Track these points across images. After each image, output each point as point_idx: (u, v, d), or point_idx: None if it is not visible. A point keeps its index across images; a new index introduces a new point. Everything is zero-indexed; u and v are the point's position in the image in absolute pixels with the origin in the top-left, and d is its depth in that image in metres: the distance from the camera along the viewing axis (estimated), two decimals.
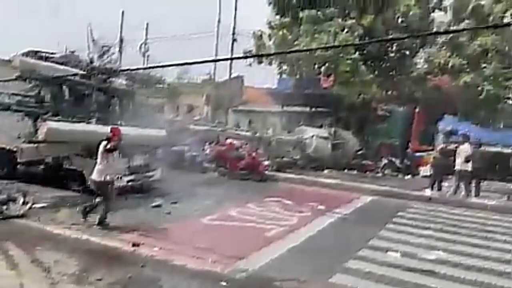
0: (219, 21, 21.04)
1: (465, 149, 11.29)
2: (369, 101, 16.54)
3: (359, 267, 5.56)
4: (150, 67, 15.84)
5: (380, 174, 15.13)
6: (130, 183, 8.93)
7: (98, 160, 6.83)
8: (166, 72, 23.21)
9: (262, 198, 9.74)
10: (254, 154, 13.12)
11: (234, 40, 21.23)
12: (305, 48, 14.80)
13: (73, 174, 8.80)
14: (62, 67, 9.57)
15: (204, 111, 23.11)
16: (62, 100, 9.50)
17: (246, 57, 17.32)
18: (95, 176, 6.85)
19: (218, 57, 21.37)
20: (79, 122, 8.88)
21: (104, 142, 6.84)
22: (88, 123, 9.03)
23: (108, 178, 6.82)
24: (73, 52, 11.31)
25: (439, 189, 11.48)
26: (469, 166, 11.12)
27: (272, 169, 13.74)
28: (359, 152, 16.43)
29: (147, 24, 27.46)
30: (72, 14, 43.21)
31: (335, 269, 5.47)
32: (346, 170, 15.11)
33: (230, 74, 22.02)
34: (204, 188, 10.56)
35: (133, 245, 5.84)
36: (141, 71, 12.91)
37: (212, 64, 21.23)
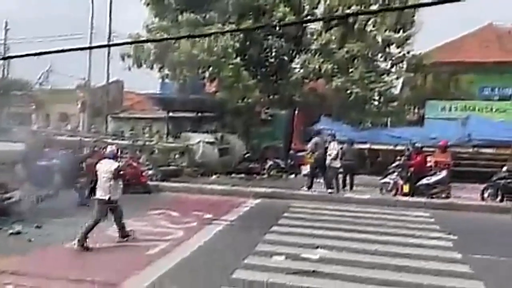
0: (92, 22, 19.47)
1: (332, 147, 12.20)
2: (253, 105, 16.95)
3: (244, 277, 5.47)
4: None
5: (266, 176, 15.56)
6: None
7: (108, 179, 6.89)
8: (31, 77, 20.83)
9: (145, 212, 9.16)
10: (134, 163, 12.33)
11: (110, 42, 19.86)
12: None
13: None
14: None
15: (79, 119, 21.21)
16: None
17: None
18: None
19: (93, 61, 19.75)
20: None
21: (112, 161, 7.00)
22: None
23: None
24: None
25: (310, 186, 12.17)
26: (337, 163, 12.06)
27: (156, 179, 13.11)
28: (246, 156, 16.73)
29: (6, 23, 24.24)
30: None
31: (221, 282, 5.30)
32: (233, 175, 15.22)
33: (108, 79, 20.57)
34: (76, 208, 9.54)
35: None
36: None
37: (86, 68, 19.57)
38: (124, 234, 7.15)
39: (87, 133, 16.55)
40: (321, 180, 12.32)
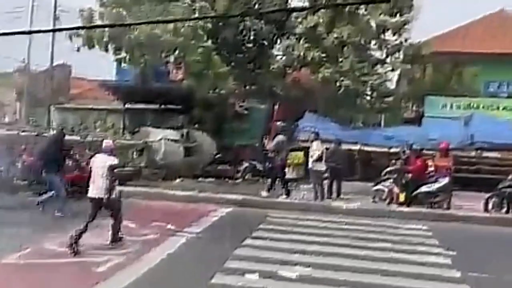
0: None
1: (315, 147, 12.31)
2: (226, 96, 16.95)
3: None
4: None
5: (240, 180, 15.57)
6: None
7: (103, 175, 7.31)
8: None
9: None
10: (84, 164, 12.08)
11: (56, 18, 19.43)
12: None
13: None
14: None
15: (16, 109, 20.68)
16: None
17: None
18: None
19: (34, 40, 19.26)
20: None
21: (109, 157, 7.48)
22: None
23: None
24: None
25: (268, 189, 12.38)
26: (322, 166, 12.18)
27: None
28: (217, 156, 16.68)
29: None
30: None
31: None
32: (201, 178, 15.16)
33: (52, 62, 20.11)
34: (12, 214, 9.32)
35: None
36: None
37: (25, 49, 19.08)
38: (115, 238, 7.65)
39: (26, 126, 16.15)
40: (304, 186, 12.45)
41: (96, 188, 7.36)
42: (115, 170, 7.53)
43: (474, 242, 9.02)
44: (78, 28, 16.01)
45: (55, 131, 11.49)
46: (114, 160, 7.59)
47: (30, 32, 17.37)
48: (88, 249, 7.29)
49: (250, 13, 16.13)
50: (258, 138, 18.36)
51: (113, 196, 7.49)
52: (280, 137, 12.57)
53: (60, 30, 20.12)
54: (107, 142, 8.03)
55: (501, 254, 8.12)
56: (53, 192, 9.85)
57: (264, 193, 12.31)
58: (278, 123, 15.55)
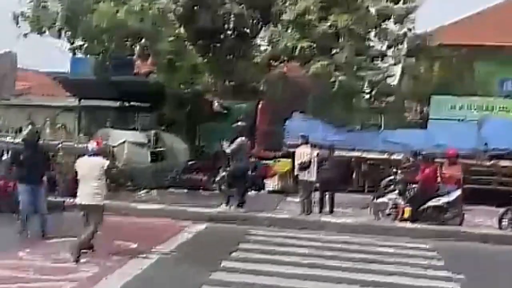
0: None
1: (304, 153, 12.36)
2: (202, 93, 16.96)
3: None
4: None
5: (217, 191, 15.53)
6: None
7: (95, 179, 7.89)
8: None
9: (46, 240, 9.00)
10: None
11: None
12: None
13: None
14: None
15: None
16: None
17: None
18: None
19: None
20: None
21: (98, 158, 8.08)
22: None
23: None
24: None
25: (227, 202, 12.52)
26: (310, 175, 12.19)
27: (62, 193, 12.76)
28: (191, 163, 16.65)
29: None
30: None
31: None
32: (172, 189, 15.15)
33: None
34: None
35: None
36: None
37: None
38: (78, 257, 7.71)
39: None
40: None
41: (87, 194, 7.87)
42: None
43: (486, 264, 9.14)
44: None
45: (27, 132, 11.26)
46: (106, 162, 8.22)
47: None
48: (31, 272, 7.19)
49: None
50: None
51: (102, 202, 8.07)
52: (242, 139, 12.53)
53: None
54: (93, 143, 8.43)
55: None
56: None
57: (240, 209, 12.32)
58: (239, 123, 15.61)
